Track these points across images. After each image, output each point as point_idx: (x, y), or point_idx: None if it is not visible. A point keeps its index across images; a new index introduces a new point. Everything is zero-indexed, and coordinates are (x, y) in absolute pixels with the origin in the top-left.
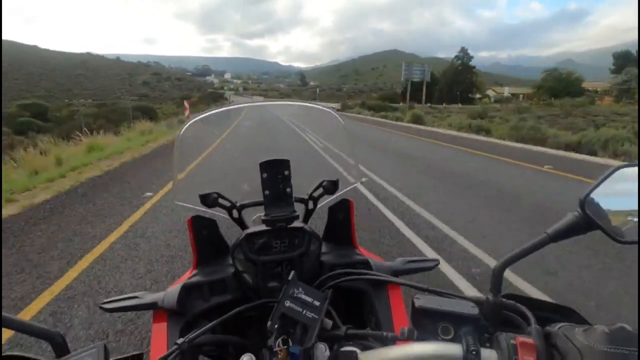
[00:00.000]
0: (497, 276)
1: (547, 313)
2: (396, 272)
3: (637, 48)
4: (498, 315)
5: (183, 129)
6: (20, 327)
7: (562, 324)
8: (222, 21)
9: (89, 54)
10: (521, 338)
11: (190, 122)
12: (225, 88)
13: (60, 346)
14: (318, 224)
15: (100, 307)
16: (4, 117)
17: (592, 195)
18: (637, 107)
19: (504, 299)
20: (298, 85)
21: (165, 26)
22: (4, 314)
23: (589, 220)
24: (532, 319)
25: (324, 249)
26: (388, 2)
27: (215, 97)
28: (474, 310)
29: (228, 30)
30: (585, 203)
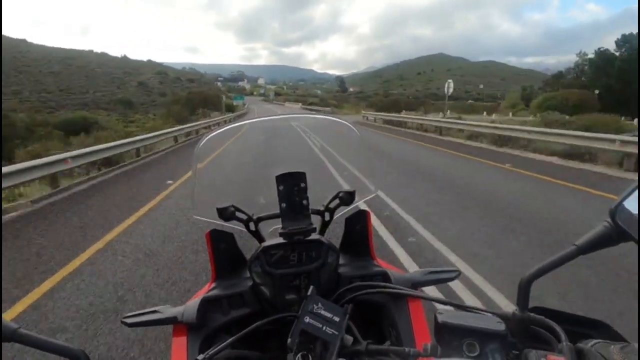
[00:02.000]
0: (523, 290)
1: (579, 328)
2: (415, 284)
3: None
4: (526, 331)
5: (201, 144)
6: (39, 344)
7: (596, 340)
8: (260, 30)
9: (90, 51)
10: (552, 356)
11: (208, 137)
12: (255, 93)
13: None
14: (335, 234)
15: (122, 322)
16: None
17: (624, 204)
18: None
19: (531, 314)
20: (337, 91)
21: (207, 36)
22: (22, 330)
23: (620, 230)
24: (563, 335)
25: (341, 260)
26: (429, 6)
27: (211, 102)
28: (500, 326)
29: (266, 39)
30: (617, 213)
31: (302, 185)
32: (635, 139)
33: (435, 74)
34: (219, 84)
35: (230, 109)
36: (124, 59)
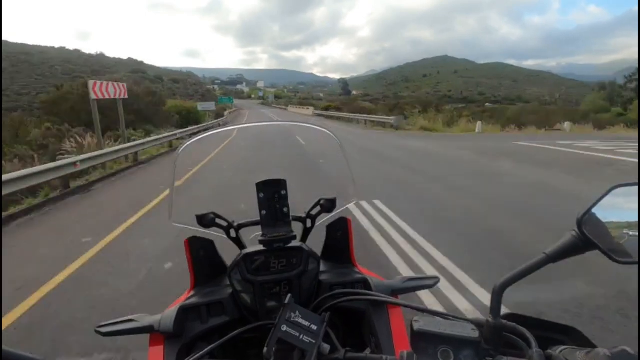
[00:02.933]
0: (496, 297)
1: (551, 334)
2: (395, 291)
3: None
4: (499, 338)
5: (180, 151)
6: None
7: (564, 347)
8: (260, 33)
9: (62, 48)
10: None
11: (187, 144)
12: (254, 96)
13: None
14: (317, 242)
15: (96, 331)
16: None
17: (591, 213)
18: None
19: (504, 321)
20: (340, 94)
21: (206, 40)
22: (3, 348)
23: (587, 240)
24: (534, 342)
25: (322, 267)
26: (429, 10)
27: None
28: (474, 334)
29: (266, 43)
30: (583, 222)
31: (283, 192)
32: None
33: (442, 76)
34: (215, 87)
35: (193, 119)
36: (100, 56)
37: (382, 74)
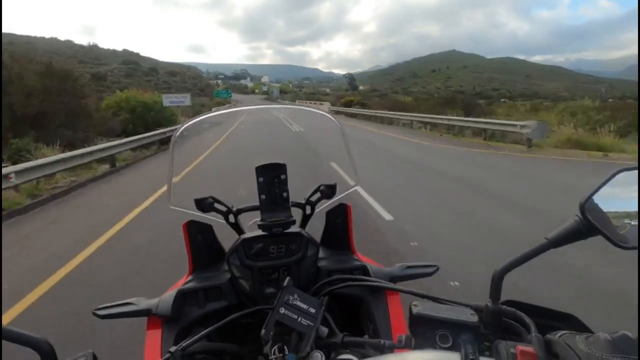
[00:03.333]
0: (496, 282)
1: (548, 320)
2: (394, 278)
3: None
4: (498, 323)
5: (178, 132)
6: (1, 334)
7: (564, 331)
8: (265, 28)
9: (53, 38)
10: (521, 347)
11: (186, 124)
12: (258, 91)
13: (47, 354)
14: (317, 227)
15: (94, 314)
16: None
17: (593, 198)
18: None
19: (503, 306)
20: (346, 89)
21: (211, 35)
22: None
23: (590, 225)
24: (533, 327)
25: (321, 254)
26: (436, 4)
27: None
28: (473, 318)
29: (270, 38)
30: (586, 207)
31: (283, 177)
32: None
33: (451, 71)
34: (219, 82)
35: (155, 119)
36: (92, 47)
37: (389, 70)
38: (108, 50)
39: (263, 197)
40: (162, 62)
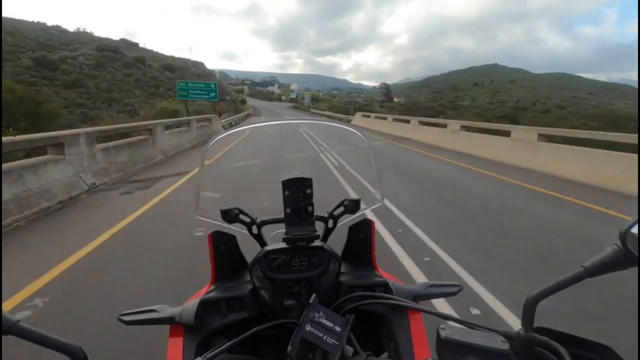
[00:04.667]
0: (529, 310)
1: (583, 351)
2: (417, 297)
3: None
4: (530, 352)
5: (209, 145)
6: (37, 339)
7: None
8: (297, 37)
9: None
10: None
11: (217, 138)
12: (285, 97)
13: None
14: (338, 242)
15: (119, 319)
16: None
17: (634, 229)
18: None
19: (536, 335)
20: (382, 100)
21: (243, 43)
22: (20, 324)
23: (630, 255)
24: (568, 358)
25: (342, 269)
26: (472, 18)
27: None
28: (504, 345)
29: (302, 47)
30: (627, 237)
31: (308, 191)
32: None
33: (497, 85)
34: (245, 87)
35: None
36: (80, 33)
37: (424, 82)
38: (102, 38)
39: (288, 210)
40: (160, 55)
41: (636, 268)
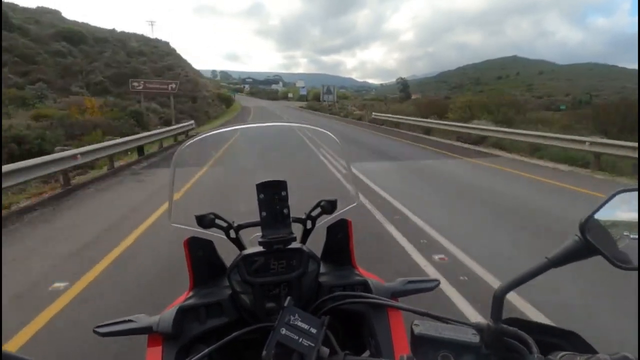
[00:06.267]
0: (497, 302)
1: (550, 338)
2: (395, 294)
3: None
4: (499, 343)
5: (181, 149)
6: None
7: (564, 352)
8: (301, 36)
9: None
10: None
11: (188, 142)
12: (292, 94)
13: None
14: (317, 243)
15: (94, 332)
16: None
17: (594, 218)
18: None
19: (504, 326)
20: (401, 97)
21: (247, 43)
22: (5, 351)
23: (589, 245)
24: (534, 347)
25: (322, 269)
26: (479, 11)
27: None
28: (474, 338)
29: (306, 47)
30: (586, 227)
31: (283, 193)
32: None
33: (524, 77)
34: (246, 86)
35: None
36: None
37: (439, 77)
38: (29, 9)
39: (264, 213)
40: (107, 31)
41: (599, 257)
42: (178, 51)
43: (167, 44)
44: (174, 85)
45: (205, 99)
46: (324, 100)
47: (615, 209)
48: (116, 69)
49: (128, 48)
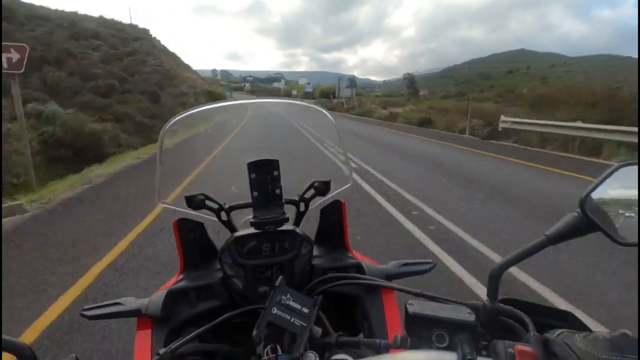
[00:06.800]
0: (494, 280)
1: (546, 318)
2: (389, 276)
3: None
4: (495, 322)
5: (167, 127)
6: None
7: (562, 330)
8: (302, 34)
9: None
10: (519, 346)
11: (175, 119)
12: (297, 93)
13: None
14: (312, 226)
15: (81, 314)
16: None
17: (593, 194)
18: None
19: (501, 305)
20: (409, 92)
21: (247, 42)
22: (3, 337)
23: (589, 221)
24: (531, 326)
25: (315, 252)
26: (482, 5)
27: None
28: (470, 317)
29: (307, 44)
30: (585, 203)
31: (275, 173)
32: None
33: (535, 71)
34: (246, 84)
35: None
36: None
37: (446, 72)
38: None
39: (255, 194)
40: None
41: (598, 233)
42: (169, 46)
43: (145, 30)
44: (11, 56)
45: (180, 98)
46: (340, 97)
47: (616, 184)
48: (40, 52)
49: (77, 29)
